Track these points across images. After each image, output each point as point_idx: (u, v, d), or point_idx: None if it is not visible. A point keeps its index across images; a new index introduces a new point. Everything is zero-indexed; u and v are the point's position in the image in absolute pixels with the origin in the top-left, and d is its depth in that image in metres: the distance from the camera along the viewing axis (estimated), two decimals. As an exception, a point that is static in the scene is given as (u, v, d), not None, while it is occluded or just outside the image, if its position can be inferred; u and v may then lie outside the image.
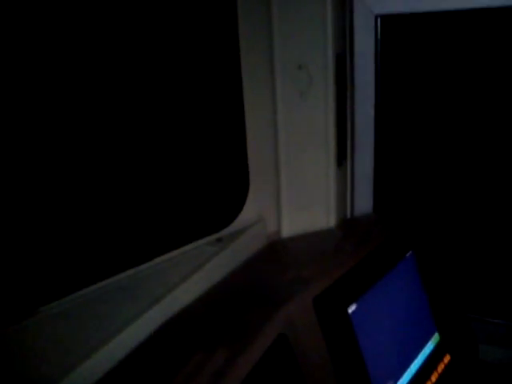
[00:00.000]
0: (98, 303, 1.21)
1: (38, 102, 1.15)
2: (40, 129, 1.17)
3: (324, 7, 1.35)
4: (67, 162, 1.23)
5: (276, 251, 1.47)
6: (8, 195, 1.13)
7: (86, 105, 1.23)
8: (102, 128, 1.28)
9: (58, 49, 1.16)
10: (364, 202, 1.60)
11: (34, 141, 1.16)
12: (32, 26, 1.10)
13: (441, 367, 1.41)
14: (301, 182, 1.48)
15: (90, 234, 1.29)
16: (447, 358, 1.44)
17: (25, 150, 1.15)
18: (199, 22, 1.40)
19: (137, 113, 1.35)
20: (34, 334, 1.13)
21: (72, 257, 1.26)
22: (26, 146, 1.15)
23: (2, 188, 1.11)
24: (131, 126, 1.34)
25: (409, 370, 1.32)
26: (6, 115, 1.09)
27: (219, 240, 1.42)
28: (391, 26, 1.50)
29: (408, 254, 1.42)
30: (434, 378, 1.37)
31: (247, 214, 1.49)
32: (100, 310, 1.20)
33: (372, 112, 1.53)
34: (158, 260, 1.34)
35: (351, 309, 1.22)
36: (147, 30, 1.32)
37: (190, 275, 1.27)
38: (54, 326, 1.15)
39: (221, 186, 1.48)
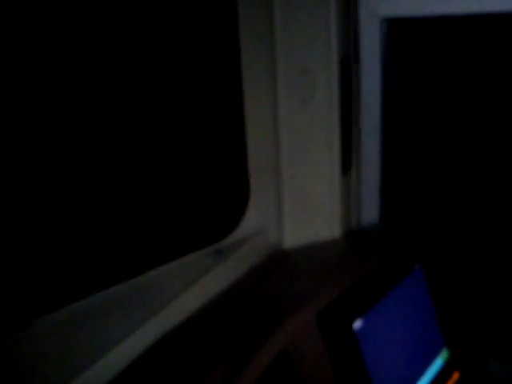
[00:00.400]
0: (93, 316, 1.18)
1: (35, 104, 1.13)
2: (32, 138, 1.15)
3: (328, 10, 1.32)
4: (60, 171, 1.20)
5: (278, 263, 1.43)
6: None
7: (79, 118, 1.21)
8: (98, 134, 1.26)
9: (55, 48, 1.14)
10: (370, 213, 1.55)
11: (26, 153, 1.14)
12: (31, 27, 1.08)
13: (450, 385, 1.36)
14: (304, 191, 1.44)
15: (86, 245, 1.27)
16: (456, 375, 1.39)
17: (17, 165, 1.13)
18: (199, 26, 1.38)
19: (137, 121, 1.33)
20: (26, 348, 1.10)
21: (66, 268, 1.24)
22: (19, 160, 1.13)
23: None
24: (129, 133, 1.32)
25: (417, 388, 1.27)
26: (6, 116, 1.07)
27: (218, 251, 1.38)
28: (397, 29, 1.47)
29: (416, 267, 1.37)
30: (443, 396, 1.33)
31: (248, 224, 1.45)
32: (95, 322, 1.17)
33: (378, 118, 1.49)
34: (154, 272, 1.30)
35: (356, 324, 1.17)
36: (148, 36, 1.31)
37: (188, 288, 1.23)
38: (47, 339, 1.12)
39: (220, 196, 1.45)
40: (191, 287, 1.23)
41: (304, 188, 1.43)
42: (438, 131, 1.61)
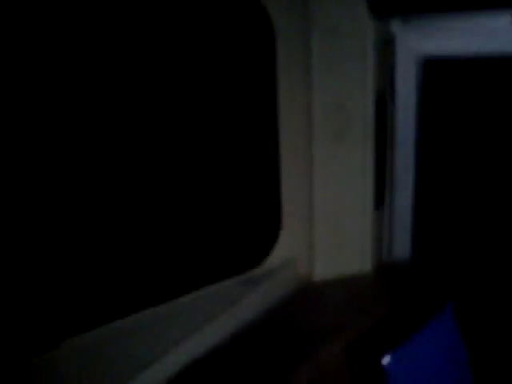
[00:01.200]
0: (120, 340, 1.19)
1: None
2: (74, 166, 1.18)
3: (366, 47, 1.34)
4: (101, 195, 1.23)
5: (307, 295, 1.42)
6: (38, 228, 1.14)
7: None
8: (139, 169, 1.29)
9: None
10: (402, 247, 1.53)
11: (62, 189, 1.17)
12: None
13: (481, 429, 1.31)
14: (336, 224, 1.43)
15: (119, 269, 1.28)
16: (487, 420, 1.34)
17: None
18: (239, 62, 1.41)
19: (178, 153, 1.35)
20: (55, 367, 1.11)
21: (97, 292, 1.25)
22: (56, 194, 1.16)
23: (31, 224, 1.13)
24: (169, 159, 1.35)
25: (446, 430, 1.23)
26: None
27: (249, 280, 1.37)
28: (435, 68, 1.48)
29: (448, 305, 1.35)
30: None
31: (278, 255, 1.44)
32: (121, 347, 1.17)
33: (412, 155, 1.49)
34: (184, 298, 1.31)
35: (385, 360, 1.15)
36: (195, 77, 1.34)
37: (217, 316, 1.23)
38: (76, 360, 1.13)
39: (252, 226, 1.46)
40: (219, 316, 1.24)
41: (336, 221, 1.43)
42: (471, 170, 1.60)
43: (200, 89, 1.37)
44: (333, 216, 1.43)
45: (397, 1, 1.39)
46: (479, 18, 1.35)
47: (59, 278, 1.20)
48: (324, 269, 1.45)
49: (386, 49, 1.43)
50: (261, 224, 1.47)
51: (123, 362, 1.13)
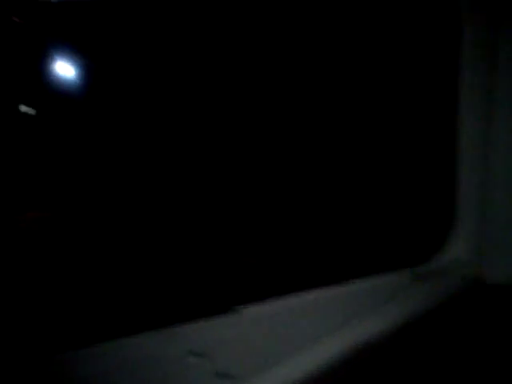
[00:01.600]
0: (287, 314, 1.26)
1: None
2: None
3: None
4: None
5: (473, 298, 1.37)
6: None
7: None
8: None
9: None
10: None
11: None
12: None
13: None
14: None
15: (308, 251, 1.37)
16: None
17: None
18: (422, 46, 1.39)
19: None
20: (223, 330, 1.21)
21: (275, 270, 1.36)
22: None
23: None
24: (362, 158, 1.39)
25: None
26: None
27: (416, 275, 1.38)
28: None
29: None
30: None
31: (448, 254, 1.42)
32: (288, 321, 1.25)
33: None
34: (351, 285, 1.35)
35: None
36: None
37: (378, 307, 1.25)
38: (245, 328, 1.23)
39: (425, 223, 1.45)
40: (383, 306, 1.26)
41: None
42: None
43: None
44: (509, 221, 1.36)
45: None
46: None
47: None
48: (494, 273, 1.39)
49: None
50: (433, 221, 1.46)
51: (286, 335, 1.21)
